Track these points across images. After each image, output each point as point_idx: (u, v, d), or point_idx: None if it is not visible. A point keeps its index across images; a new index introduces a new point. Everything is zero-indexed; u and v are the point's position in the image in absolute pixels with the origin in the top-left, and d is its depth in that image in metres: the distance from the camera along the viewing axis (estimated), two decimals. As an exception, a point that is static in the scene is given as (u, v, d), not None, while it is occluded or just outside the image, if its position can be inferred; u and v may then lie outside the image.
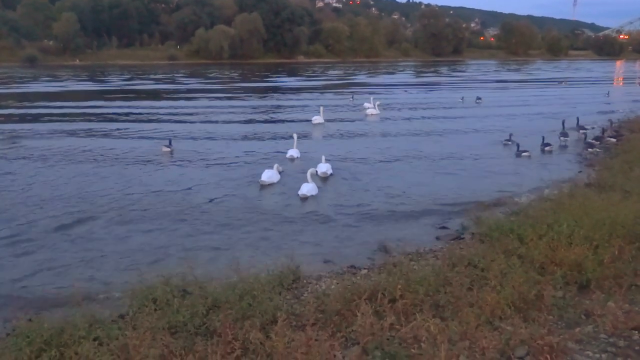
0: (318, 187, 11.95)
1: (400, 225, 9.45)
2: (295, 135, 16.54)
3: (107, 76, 63.05)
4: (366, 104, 27.66)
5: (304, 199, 11.48)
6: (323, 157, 13.84)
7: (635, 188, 9.39)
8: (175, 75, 65.57)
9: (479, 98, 31.92)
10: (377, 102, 26.55)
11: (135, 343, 4.46)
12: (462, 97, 32.51)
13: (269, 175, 12.71)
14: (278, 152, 16.51)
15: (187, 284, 5.99)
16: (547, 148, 16.23)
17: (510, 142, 17.12)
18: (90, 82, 53.90)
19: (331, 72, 72.77)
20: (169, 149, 16.64)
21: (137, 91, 41.65)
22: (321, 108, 23.61)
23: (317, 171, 12.69)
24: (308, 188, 11.67)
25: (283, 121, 24.60)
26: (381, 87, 45.07)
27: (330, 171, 13.14)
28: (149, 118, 25.59)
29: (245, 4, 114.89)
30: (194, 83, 52.30)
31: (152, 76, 63.23)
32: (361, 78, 60.16)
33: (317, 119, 22.80)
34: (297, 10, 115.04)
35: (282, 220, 10.02)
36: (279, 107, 30.80)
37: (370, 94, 33.10)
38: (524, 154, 15.59)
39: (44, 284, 7.12)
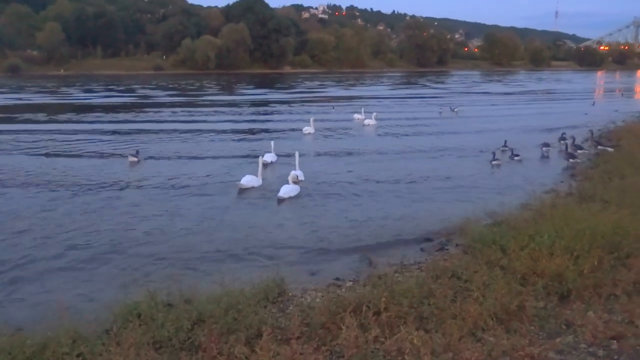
0: (300, 192, 12.33)
1: (385, 236, 9.50)
2: (272, 142, 17.05)
3: (84, 88, 61.27)
4: (356, 115, 28.12)
5: (281, 200, 11.90)
6: (297, 162, 14.15)
7: (614, 198, 9.57)
8: (148, 86, 63.20)
9: (453, 109, 32.63)
10: (374, 114, 26.75)
11: (119, 359, 4.45)
12: (441, 109, 32.96)
13: (248, 179, 12.98)
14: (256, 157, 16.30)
15: (172, 298, 5.98)
16: (515, 158, 17.04)
17: (506, 149, 17.84)
18: (54, 95, 50.23)
19: (308, 83, 72.04)
20: (135, 159, 16.27)
21: (111, 106, 39.44)
22: (311, 118, 23.91)
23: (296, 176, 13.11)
24: (286, 190, 12.06)
25: (266, 132, 24.65)
26: (360, 99, 44.43)
27: (301, 177, 13.39)
28: (120, 131, 24.74)
29: (232, 14, 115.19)
30: (165, 96, 49.68)
31: (132, 86, 62.38)
32: (333, 90, 57.43)
33: (308, 129, 23.11)
34: (283, 21, 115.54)
35: (266, 229, 10.06)
36: (250, 119, 30.39)
37: (349, 105, 33.38)
38: (493, 162, 16.37)
39: (27, 299, 7.05)
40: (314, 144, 21.02)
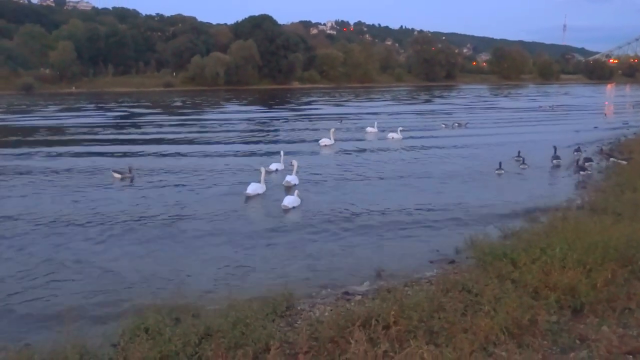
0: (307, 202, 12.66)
1: (394, 249, 9.43)
2: (282, 152, 17.96)
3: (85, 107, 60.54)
4: (369, 128, 28.41)
5: (286, 210, 12.27)
6: (295, 169, 15.18)
7: (626, 211, 9.46)
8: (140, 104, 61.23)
9: (460, 124, 32.59)
10: (400, 128, 26.83)
11: (126, 374, 4.42)
12: (444, 124, 32.92)
13: (254, 188, 13.73)
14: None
15: (179, 312, 5.95)
16: (521, 166, 17.81)
17: (519, 159, 18.38)
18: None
19: (315, 98, 71.57)
20: (119, 175, 15.84)
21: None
22: (332, 130, 24.20)
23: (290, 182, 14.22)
24: (290, 200, 12.55)
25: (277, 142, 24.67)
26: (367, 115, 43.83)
27: (294, 182, 14.28)
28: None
29: (241, 31, 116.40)
30: (172, 112, 48.19)
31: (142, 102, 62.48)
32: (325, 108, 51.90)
33: (326, 141, 23.40)
34: (291, 37, 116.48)
35: (273, 241, 10.07)
36: (259, 135, 29.74)
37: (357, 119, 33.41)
38: (497, 171, 16.82)
39: (34, 312, 7.05)
40: (333, 155, 21.18)
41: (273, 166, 17.04)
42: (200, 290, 7.42)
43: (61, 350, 5.00)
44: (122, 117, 42.22)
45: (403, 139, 25.76)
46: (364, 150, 22.59)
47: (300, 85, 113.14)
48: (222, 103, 61.29)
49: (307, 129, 31.74)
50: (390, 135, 26.30)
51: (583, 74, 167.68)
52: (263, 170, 14.50)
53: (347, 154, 21.46)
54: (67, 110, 49.89)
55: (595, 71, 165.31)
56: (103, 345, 5.44)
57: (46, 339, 5.76)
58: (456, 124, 32.59)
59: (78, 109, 51.85)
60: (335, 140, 23.57)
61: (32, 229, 11.00)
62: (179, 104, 60.55)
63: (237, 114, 45.12)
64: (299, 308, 6.61)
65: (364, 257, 9.05)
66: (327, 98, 71.00)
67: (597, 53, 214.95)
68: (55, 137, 29.15)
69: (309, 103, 60.27)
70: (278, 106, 55.38)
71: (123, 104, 58.65)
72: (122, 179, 15.89)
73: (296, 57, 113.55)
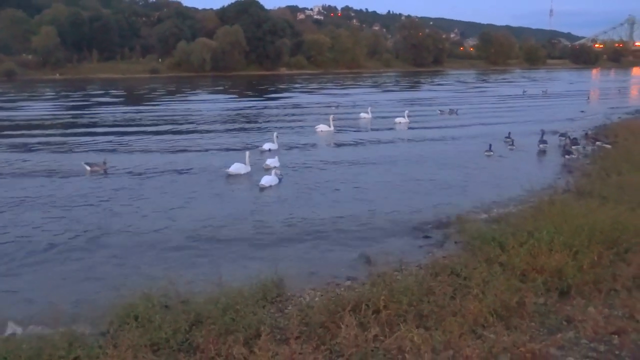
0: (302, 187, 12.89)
1: (383, 234, 9.47)
2: (275, 134, 18.26)
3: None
4: (362, 114, 28.40)
5: (262, 188, 12.62)
6: (276, 156, 15.59)
7: (612, 194, 9.57)
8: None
9: (452, 110, 32.58)
10: (406, 111, 26.87)
11: (116, 361, 4.40)
12: (440, 110, 32.92)
13: (237, 167, 14.23)
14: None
15: (169, 299, 5.92)
16: (509, 146, 18.53)
17: (509, 139, 19.08)
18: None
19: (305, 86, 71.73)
20: (88, 168, 14.81)
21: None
22: (331, 116, 24.20)
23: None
24: (267, 180, 12.92)
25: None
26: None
27: (274, 164, 14.77)
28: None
29: (227, 16, 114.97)
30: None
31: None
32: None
33: (322, 127, 23.38)
34: (278, 23, 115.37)
35: (262, 228, 10.07)
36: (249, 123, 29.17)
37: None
38: (486, 152, 17.34)
39: (22, 302, 6.98)
40: (329, 141, 21.19)
41: (266, 146, 17.45)
42: (188, 276, 7.37)
43: (49, 339, 4.95)
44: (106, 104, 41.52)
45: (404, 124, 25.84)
46: (359, 136, 22.61)
47: (287, 71, 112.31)
48: (211, 88, 60.65)
49: (301, 115, 31.51)
50: (398, 119, 26.41)
51: (569, 58, 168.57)
52: (247, 152, 14.76)
53: (342, 139, 21.44)
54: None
55: (581, 56, 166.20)
56: (92, 333, 5.41)
57: (34, 327, 5.71)
58: (449, 110, 32.75)
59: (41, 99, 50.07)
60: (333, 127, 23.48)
61: (13, 215, 10.87)
62: (161, 91, 59.48)
63: (230, 103, 44.53)
64: (289, 294, 6.62)
65: (354, 243, 9.06)
66: (315, 85, 70.50)
67: (583, 38, 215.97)
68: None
69: (299, 90, 59.82)
70: (267, 93, 54.87)
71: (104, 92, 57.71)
72: (92, 172, 14.85)
73: (283, 42, 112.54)
